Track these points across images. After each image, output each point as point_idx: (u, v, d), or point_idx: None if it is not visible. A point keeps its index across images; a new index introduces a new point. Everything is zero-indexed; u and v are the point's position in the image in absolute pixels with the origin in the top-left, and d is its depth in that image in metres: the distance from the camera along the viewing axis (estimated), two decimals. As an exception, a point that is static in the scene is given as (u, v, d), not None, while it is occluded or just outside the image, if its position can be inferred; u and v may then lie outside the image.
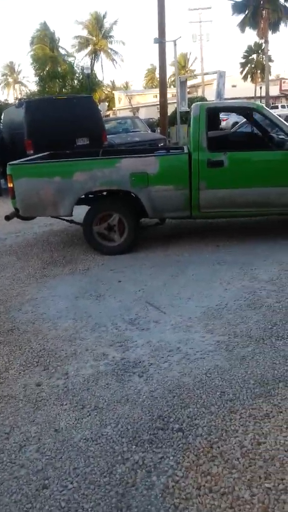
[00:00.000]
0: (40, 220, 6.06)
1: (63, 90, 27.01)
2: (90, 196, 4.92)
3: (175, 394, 2.38)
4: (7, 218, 5.00)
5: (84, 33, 42.99)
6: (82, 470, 1.93)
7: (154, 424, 2.18)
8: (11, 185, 4.79)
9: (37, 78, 28.48)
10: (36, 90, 28.98)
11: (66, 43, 62.91)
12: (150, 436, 2.10)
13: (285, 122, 4.80)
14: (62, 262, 4.69)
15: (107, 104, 38.67)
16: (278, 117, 4.98)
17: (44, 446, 2.09)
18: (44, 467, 1.97)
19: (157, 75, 25.98)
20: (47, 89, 26.86)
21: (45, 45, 31.25)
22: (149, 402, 2.34)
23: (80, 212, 4.96)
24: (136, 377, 2.57)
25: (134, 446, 2.04)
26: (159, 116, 18.52)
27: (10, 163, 4.95)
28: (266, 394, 2.33)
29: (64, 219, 5.19)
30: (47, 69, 28.19)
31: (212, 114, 5.19)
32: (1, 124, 11.27)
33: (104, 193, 4.95)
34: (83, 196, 4.80)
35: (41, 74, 27.86)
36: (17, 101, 15.82)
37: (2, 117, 11.55)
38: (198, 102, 5.41)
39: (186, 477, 1.86)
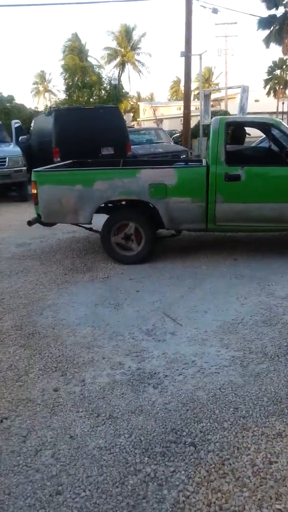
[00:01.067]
0: (64, 226, 6.17)
1: (91, 100, 27.51)
2: (109, 205, 4.99)
3: (189, 408, 2.40)
4: (29, 223, 5.09)
5: (114, 44, 43.82)
6: (95, 479, 1.96)
7: (167, 436, 2.19)
8: (35, 191, 4.91)
9: (66, 87, 29.13)
10: (64, 99, 29.58)
11: (96, 53, 64.14)
12: (162, 448, 2.12)
13: None
14: (83, 269, 4.77)
15: (132, 114, 39.13)
16: None
17: (59, 452, 2.12)
18: (58, 473, 2.00)
19: (181, 87, 26.15)
20: (75, 98, 27.38)
21: (75, 55, 31.89)
22: (163, 414, 2.36)
23: (100, 220, 5.03)
24: (151, 388, 2.60)
25: (146, 458, 2.06)
26: (182, 128, 18.63)
27: (35, 170, 5.07)
28: (279, 413, 2.33)
29: (83, 227, 5.27)
30: (76, 79, 28.75)
31: (232, 128, 5.21)
32: (30, 131, 11.51)
33: (123, 202, 5.02)
34: (103, 205, 4.87)
35: (70, 83, 28.45)
36: (47, 110, 16.12)
37: (32, 124, 11.79)
38: (218, 116, 5.45)
39: (197, 492, 1.87)
